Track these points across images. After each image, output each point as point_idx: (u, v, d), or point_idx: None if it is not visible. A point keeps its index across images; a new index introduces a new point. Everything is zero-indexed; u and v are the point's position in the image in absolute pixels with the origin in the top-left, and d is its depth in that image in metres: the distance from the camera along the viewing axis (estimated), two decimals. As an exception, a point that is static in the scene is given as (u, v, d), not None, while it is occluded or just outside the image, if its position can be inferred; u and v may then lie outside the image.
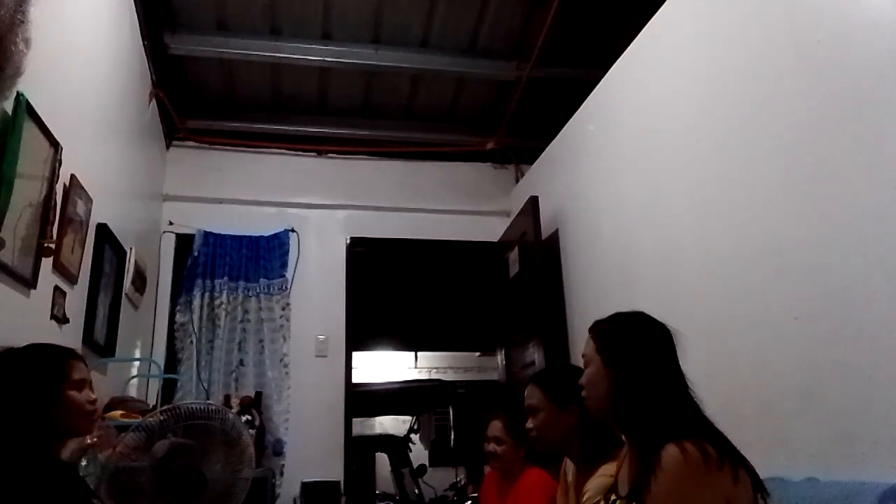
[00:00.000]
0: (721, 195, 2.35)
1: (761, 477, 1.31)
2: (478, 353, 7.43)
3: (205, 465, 1.93)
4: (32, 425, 1.59)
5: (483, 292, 5.00)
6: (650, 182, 2.86)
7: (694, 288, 2.46)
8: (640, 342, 1.51)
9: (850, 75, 1.79)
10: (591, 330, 1.60)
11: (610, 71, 3.29)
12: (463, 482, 4.66)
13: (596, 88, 3.45)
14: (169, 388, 3.83)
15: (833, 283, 1.81)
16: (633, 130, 3.05)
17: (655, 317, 1.55)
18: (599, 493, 1.65)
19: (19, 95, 1.83)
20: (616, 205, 3.17)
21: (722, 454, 1.26)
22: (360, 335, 4.68)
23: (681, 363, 1.49)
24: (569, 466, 1.96)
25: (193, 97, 4.30)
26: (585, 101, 3.57)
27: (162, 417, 2.29)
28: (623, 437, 1.55)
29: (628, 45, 3.11)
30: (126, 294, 3.15)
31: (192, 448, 1.90)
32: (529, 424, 2.03)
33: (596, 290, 3.36)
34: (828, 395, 1.80)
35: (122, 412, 2.58)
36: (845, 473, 1.66)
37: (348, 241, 4.46)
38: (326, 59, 3.92)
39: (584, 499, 1.74)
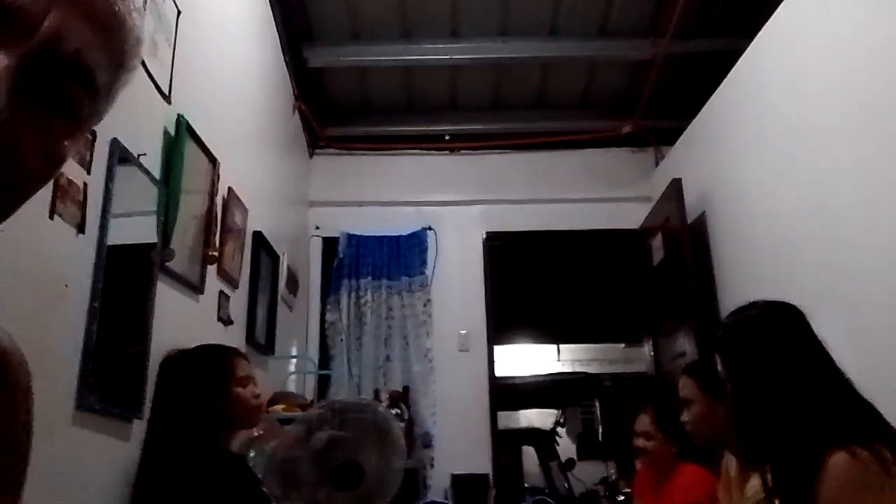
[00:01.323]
0: (888, 165, 2.10)
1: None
2: (623, 345, 7.21)
3: (361, 457, 2.01)
4: (203, 419, 1.74)
5: (626, 281, 4.84)
6: (807, 155, 2.63)
7: (862, 269, 2.23)
8: (762, 341, 1.33)
9: None
10: (713, 347, 1.44)
11: (755, 40, 3.05)
12: (614, 477, 4.55)
13: (740, 60, 3.21)
14: (323, 384, 4.05)
15: None
16: (786, 101, 2.81)
17: (804, 300, 1.35)
18: (762, 490, 1.54)
19: (180, 117, 2.00)
20: (769, 182, 2.94)
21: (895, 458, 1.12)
22: (502, 329, 4.70)
23: (853, 350, 1.33)
24: (731, 460, 1.85)
25: (332, 106, 4.50)
26: (729, 74, 3.34)
27: (320, 411, 2.43)
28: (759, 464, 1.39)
29: (773, 10, 2.87)
30: (281, 296, 3.35)
31: (348, 440, 1.99)
32: (684, 417, 1.94)
33: (750, 275, 3.14)
34: None
35: (284, 406, 2.76)
36: None
37: (485, 236, 4.48)
38: (455, 56, 3.96)
39: (748, 496, 1.63)
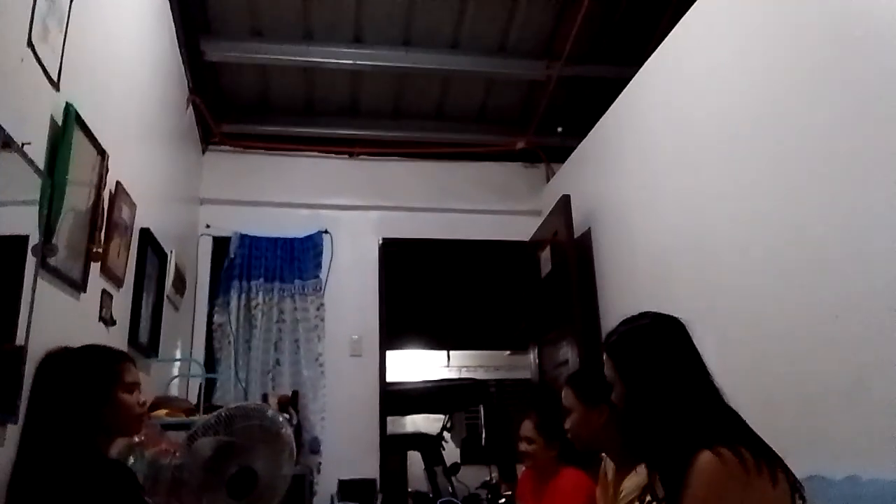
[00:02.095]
0: (758, 191, 2.33)
1: (802, 475, 1.31)
2: (508, 352, 7.44)
3: (254, 463, 1.97)
4: (84, 423, 1.65)
5: (515, 291, 5.01)
6: (684, 179, 2.85)
7: (732, 286, 2.45)
8: (651, 349, 1.44)
9: (885, 64, 1.77)
10: (603, 348, 1.55)
11: (642, 68, 3.28)
12: (495, 480, 4.68)
13: (628, 86, 3.44)
14: (209, 388, 3.92)
15: (875, 281, 1.79)
16: (666, 127, 3.03)
17: (679, 314, 1.50)
18: (635, 491, 1.66)
19: (69, 105, 1.90)
20: (650, 202, 3.17)
21: (759, 458, 1.25)
22: (394, 334, 4.73)
23: (720, 361, 1.47)
24: (608, 464, 1.98)
25: (228, 102, 4.38)
26: (617, 99, 3.56)
27: (211, 418, 2.36)
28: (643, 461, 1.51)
29: (660, 42, 3.10)
30: (167, 296, 3.23)
31: (239, 446, 1.95)
32: (566, 425, 2.06)
33: (630, 289, 3.35)
34: (869, 394, 1.78)
35: (167, 411, 2.65)
36: (887, 472, 1.65)
37: (381, 242, 4.51)
38: (358, 62, 3.97)
39: (621, 497, 1.76)
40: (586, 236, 3.83)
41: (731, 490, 1.22)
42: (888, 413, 1.71)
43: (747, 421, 1.36)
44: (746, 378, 2.20)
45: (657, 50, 3.13)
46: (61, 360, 1.74)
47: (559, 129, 4.48)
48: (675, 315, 1.51)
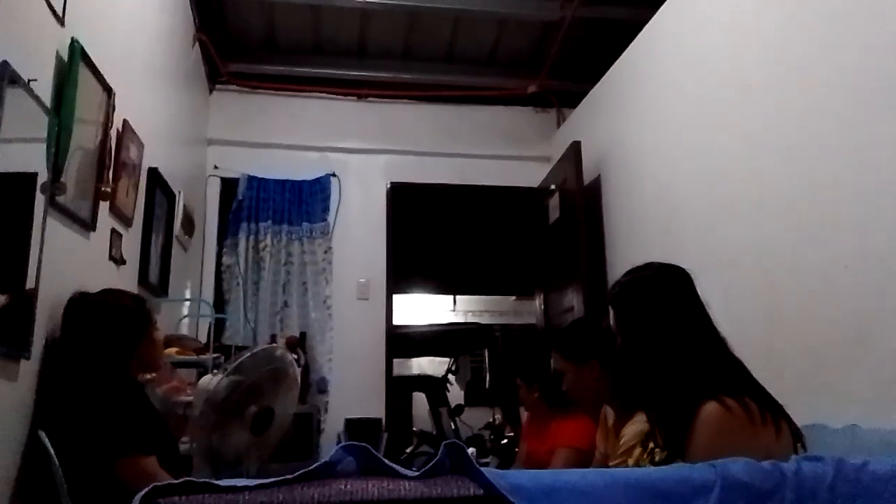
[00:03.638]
0: (772, 141, 2.29)
1: (803, 423, 1.33)
2: (514, 298, 7.48)
3: (268, 402, 2.03)
4: (123, 359, 1.79)
5: (522, 237, 5.01)
6: (697, 128, 2.80)
7: (742, 236, 2.44)
8: (654, 299, 1.43)
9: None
10: (607, 299, 1.54)
11: (658, 11, 3.18)
12: (499, 422, 4.78)
13: (643, 30, 3.34)
14: (218, 328, 3.97)
15: (885, 232, 1.78)
16: (681, 74, 2.97)
17: (686, 263, 1.48)
18: (636, 437, 1.68)
19: (74, 41, 1.87)
20: (661, 151, 3.12)
21: (763, 408, 1.26)
22: (401, 278, 4.75)
23: (727, 309, 1.47)
24: (608, 410, 2.01)
25: (235, 41, 4.30)
26: (632, 43, 3.47)
27: (215, 356, 2.39)
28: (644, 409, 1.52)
29: (679, -17, 3.00)
30: (176, 237, 3.24)
31: (252, 385, 1.99)
32: (564, 387, 2.12)
33: (638, 237, 3.34)
34: (875, 343, 1.79)
35: (177, 349, 2.70)
36: (888, 421, 1.66)
37: (389, 186, 4.49)
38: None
39: (621, 443, 1.79)
40: (596, 183, 3.80)
41: (737, 440, 1.22)
42: (892, 363, 1.72)
43: (752, 369, 1.37)
44: (752, 326, 2.21)
45: (675, -8, 3.03)
46: (93, 302, 1.84)
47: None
48: (683, 264, 1.50)
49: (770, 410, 1.27)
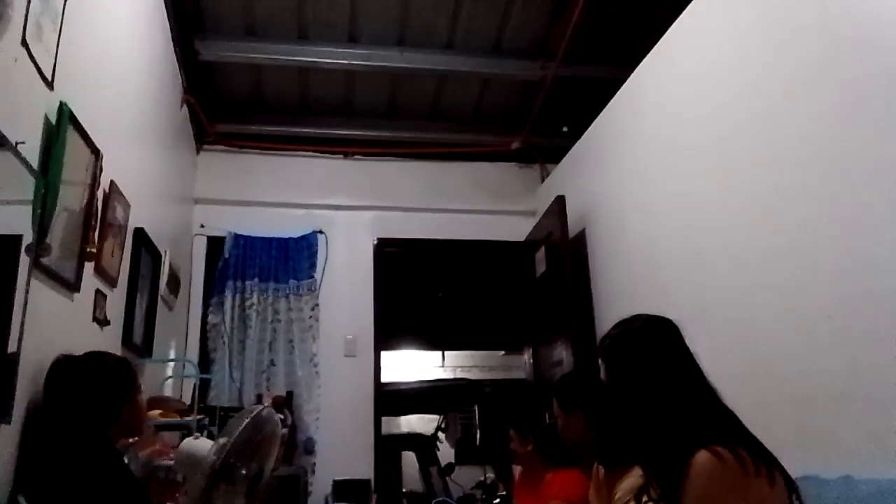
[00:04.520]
0: (751, 192, 2.34)
1: (796, 475, 1.31)
2: (503, 352, 7.43)
3: (250, 463, 1.98)
4: (104, 423, 1.75)
5: (510, 292, 5.01)
6: (678, 180, 2.86)
7: (725, 287, 2.46)
8: (643, 350, 1.45)
9: (882, 68, 1.78)
10: (597, 352, 1.57)
11: (637, 69, 3.29)
12: (491, 480, 4.68)
13: (622, 87, 3.45)
14: (203, 388, 3.91)
15: (868, 282, 1.80)
16: (661, 128, 3.04)
17: (672, 315, 1.51)
18: (630, 492, 1.66)
19: (63, 105, 1.89)
20: (643, 203, 3.17)
21: (756, 458, 1.25)
22: (388, 335, 4.72)
23: (713, 361, 1.47)
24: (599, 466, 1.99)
25: (222, 101, 4.37)
26: (612, 100, 3.57)
27: (200, 417, 2.34)
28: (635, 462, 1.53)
29: (655, 43, 3.10)
30: (161, 296, 3.21)
31: (248, 449, 1.95)
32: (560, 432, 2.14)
33: (624, 289, 3.36)
34: (863, 394, 1.79)
35: (161, 411, 2.65)
36: (881, 471, 1.66)
37: (375, 242, 4.51)
38: (353, 62, 3.96)
39: (616, 498, 1.76)
40: (581, 237, 3.84)
41: (730, 490, 1.21)
42: (882, 413, 1.72)
43: (742, 421, 1.37)
44: (740, 378, 2.20)
45: (652, 51, 3.13)
46: (77, 365, 1.82)
47: (565, 129, 4.44)
48: (669, 316, 1.51)
49: (763, 460, 1.26)
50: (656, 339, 1.46)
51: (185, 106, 3.86)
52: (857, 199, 1.86)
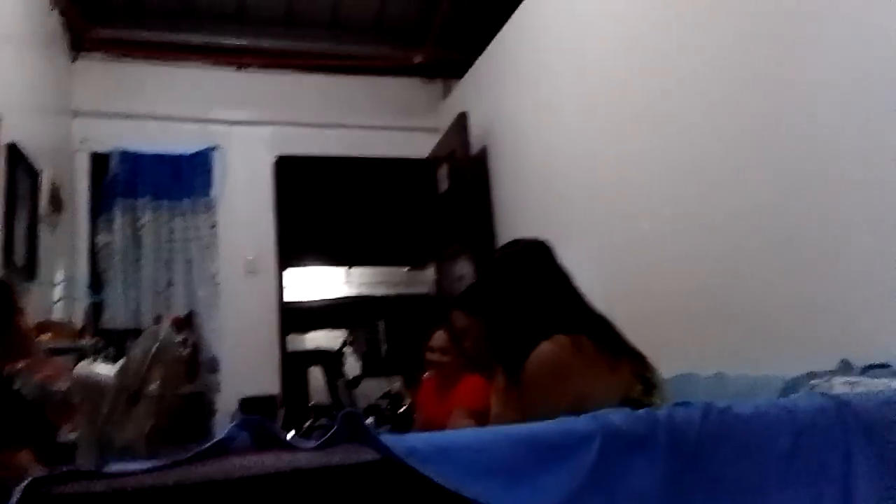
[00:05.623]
0: (648, 112, 2.43)
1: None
2: (407, 268, 7.52)
3: (149, 384, 1.94)
4: None
5: (413, 208, 5.03)
6: (578, 99, 2.91)
7: (618, 204, 2.58)
8: (518, 271, 1.57)
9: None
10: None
11: (539, -17, 3.26)
12: (397, 390, 4.84)
13: (525, 0, 3.41)
14: (97, 310, 3.76)
15: (746, 190, 1.94)
16: (563, 46, 3.06)
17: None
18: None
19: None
20: (544, 120, 3.22)
21: (600, 345, 1.38)
22: (292, 252, 4.66)
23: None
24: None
25: (99, 4, 4.00)
26: (514, 14, 3.54)
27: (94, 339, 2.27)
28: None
29: (557, -44, 3.08)
30: (42, 216, 3.02)
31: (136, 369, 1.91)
32: (466, 345, 2.18)
33: (524, 206, 3.45)
34: (738, 296, 1.96)
35: (51, 334, 2.54)
36: (752, 368, 1.83)
37: (275, 160, 4.37)
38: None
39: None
40: (483, 154, 3.87)
41: (556, 373, 1.35)
42: (755, 316, 1.90)
43: (624, 325, 1.47)
44: (626, 285, 2.36)
45: (554, -36, 3.11)
46: None
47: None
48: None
49: (609, 348, 1.38)
50: (529, 259, 1.59)
51: (55, 8, 3.51)
52: (751, 119, 1.97)
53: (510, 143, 3.61)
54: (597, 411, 1.13)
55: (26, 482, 0.86)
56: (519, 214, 3.49)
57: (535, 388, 1.35)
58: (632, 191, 2.49)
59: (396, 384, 4.68)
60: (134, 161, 4.04)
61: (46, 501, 0.86)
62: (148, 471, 0.91)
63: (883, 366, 1.48)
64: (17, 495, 0.84)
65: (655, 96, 2.39)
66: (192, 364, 3.62)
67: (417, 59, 4.55)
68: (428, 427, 2.69)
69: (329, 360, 4.79)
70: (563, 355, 1.35)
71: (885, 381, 1.40)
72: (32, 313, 2.65)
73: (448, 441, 1.04)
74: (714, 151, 2.08)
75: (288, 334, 4.30)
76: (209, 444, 0.97)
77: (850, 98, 1.65)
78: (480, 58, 4.01)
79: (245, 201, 4.25)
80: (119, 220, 3.94)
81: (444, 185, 4.12)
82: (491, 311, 1.63)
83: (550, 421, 1.13)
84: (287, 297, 4.36)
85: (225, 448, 1.00)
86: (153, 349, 2.09)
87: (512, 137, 3.59)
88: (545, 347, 1.36)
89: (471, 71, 4.19)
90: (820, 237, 1.74)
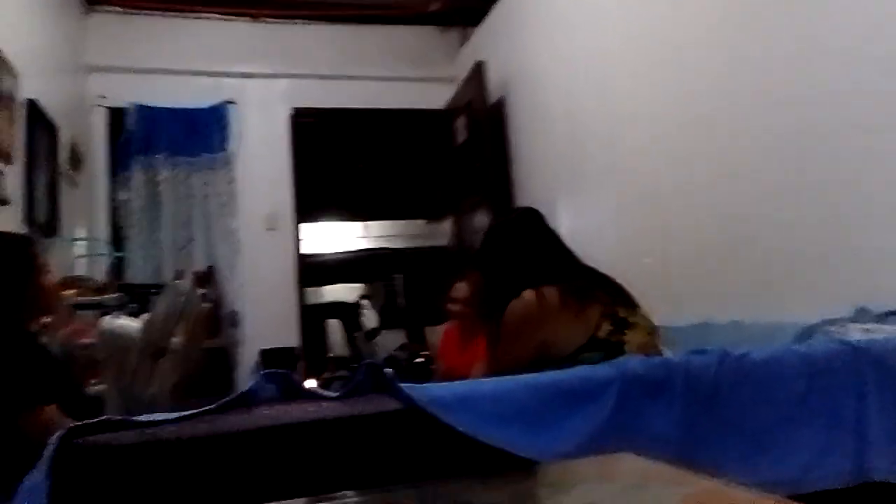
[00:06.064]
0: (669, 62, 2.37)
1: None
2: (425, 221, 7.52)
3: (172, 339, 1.99)
4: (12, 308, 1.67)
5: (430, 160, 5.00)
6: (596, 47, 2.85)
7: (638, 155, 2.54)
8: (510, 237, 1.66)
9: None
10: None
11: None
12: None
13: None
14: (118, 266, 3.81)
15: (762, 142, 1.91)
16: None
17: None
18: None
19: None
20: (563, 69, 3.16)
21: (566, 295, 1.45)
22: (309, 207, 4.68)
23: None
24: None
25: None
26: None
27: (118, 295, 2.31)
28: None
29: None
30: (62, 172, 3.04)
31: (162, 324, 1.95)
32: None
33: (542, 157, 3.40)
34: (755, 245, 1.95)
35: (76, 291, 2.59)
36: (767, 315, 1.83)
37: (291, 113, 4.34)
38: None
39: None
40: (501, 104, 3.81)
41: (525, 321, 1.46)
42: (769, 263, 1.89)
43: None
44: (646, 236, 2.35)
45: None
46: None
47: None
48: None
49: (575, 297, 1.46)
50: (521, 225, 1.68)
51: (66, -40, 3.47)
52: (765, 66, 1.92)
53: (528, 92, 3.55)
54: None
55: (61, 433, 0.89)
56: (537, 165, 3.45)
57: (504, 339, 1.49)
58: (650, 141, 2.46)
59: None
60: (150, 116, 4.03)
61: (81, 452, 0.88)
62: (178, 419, 0.94)
63: (901, 313, 1.47)
64: (53, 445, 0.87)
65: (676, 45, 2.33)
66: (214, 319, 3.69)
67: (433, 7, 4.45)
68: (449, 377, 2.72)
69: (347, 312, 4.86)
70: (528, 308, 1.46)
71: (903, 328, 1.39)
72: (55, 270, 2.70)
73: (468, 390, 1.05)
74: (734, 99, 2.03)
75: (307, 288, 4.35)
76: (236, 394, 1.00)
77: (871, 34, 1.60)
78: (497, 4, 3.91)
79: (262, 156, 4.24)
80: (137, 177, 3.96)
81: (461, 136, 4.08)
82: (482, 272, 1.76)
83: (572, 369, 1.15)
84: (305, 251, 4.39)
85: (252, 398, 1.02)
86: (177, 305, 2.14)
87: (530, 87, 3.52)
88: (513, 303, 1.47)
89: (487, 19, 4.10)
90: (837, 185, 1.71)
